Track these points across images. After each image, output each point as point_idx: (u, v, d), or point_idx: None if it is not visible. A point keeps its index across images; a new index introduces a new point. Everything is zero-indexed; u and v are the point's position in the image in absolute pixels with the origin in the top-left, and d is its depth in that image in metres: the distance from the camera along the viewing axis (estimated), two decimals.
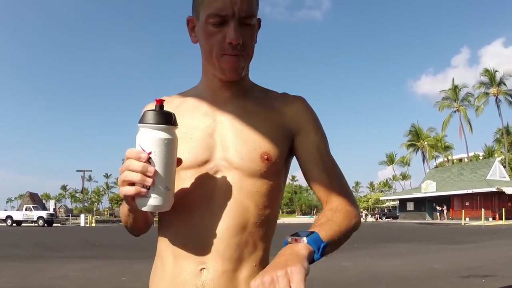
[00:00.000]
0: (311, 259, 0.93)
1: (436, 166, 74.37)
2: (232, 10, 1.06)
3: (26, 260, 11.96)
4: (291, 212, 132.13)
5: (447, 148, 77.56)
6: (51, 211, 52.84)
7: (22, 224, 43.44)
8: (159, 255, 1.15)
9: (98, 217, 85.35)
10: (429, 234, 24.93)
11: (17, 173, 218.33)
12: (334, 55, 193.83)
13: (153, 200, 0.94)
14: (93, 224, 50.47)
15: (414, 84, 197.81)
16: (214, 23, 1.08)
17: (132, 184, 0.92)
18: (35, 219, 42.99)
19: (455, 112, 67.58)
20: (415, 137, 76.49)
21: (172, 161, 0.96)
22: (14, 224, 42.99)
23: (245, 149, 1.10)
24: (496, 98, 62.42)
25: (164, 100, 0.97)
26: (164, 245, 1.13)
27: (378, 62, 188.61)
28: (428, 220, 54.34)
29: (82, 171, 56.90)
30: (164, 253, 1.12)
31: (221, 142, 1.12)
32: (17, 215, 44.41)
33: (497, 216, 44.41)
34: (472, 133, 67.43)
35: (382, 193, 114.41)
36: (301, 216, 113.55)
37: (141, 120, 0.95)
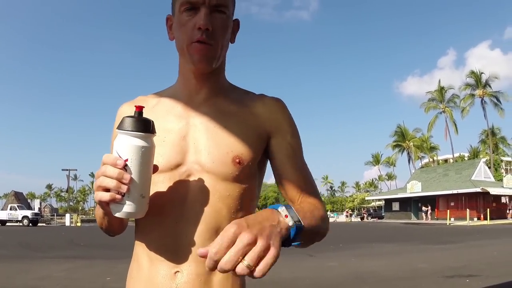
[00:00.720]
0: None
1: (422, 167, 74.84)
2: None
3: (10, 260, 11.86)
4: None
5: (432, 148, 78.13)
6: (36, 210, 52.51)
7: (7, 224, 43.03)
8: (135, 258, 1.15)
9: (84, 216, 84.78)
10: (414, 234, 25.13)
11: (1, 172, 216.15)
12: (321, 56, 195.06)
13: (128, 207, 0.94)
14: (79, 224, 50.12)
15: (400, 85, 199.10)
16: (185, 10, 1.10)
17: (107, 190, 0.92)
18: (19, 218, 42.59)
19: (441, 113, 68.12)
20: (401, 137, 76.93)
21: (148, 169, 0.96)
22: None
23: (217, 153, 1.10)
24: (482, 99, 63.02)
25: (144, 107, 0.96)
26: (140, 249, 1.13)
27: (364, 62, 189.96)
28: (414, 220, 54.66)
29: (67, 170, 56.36)
30: (140, 256, 1.13)
31: (193, 145, 1.12)
32: (2, 215, 43.93)
33: (482, 216, 44.83)
34: (458, 134, 68.28)
35: (368, 193, 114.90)
36: None
37: (119, 126, 0.94)
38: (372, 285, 7.92)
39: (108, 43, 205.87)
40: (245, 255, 0.80)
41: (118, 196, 0.91)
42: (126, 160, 0.92)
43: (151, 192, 1.05)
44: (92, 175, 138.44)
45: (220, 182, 1.09)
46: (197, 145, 1.11)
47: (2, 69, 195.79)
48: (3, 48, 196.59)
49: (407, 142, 75.92)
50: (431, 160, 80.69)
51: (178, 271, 1.07)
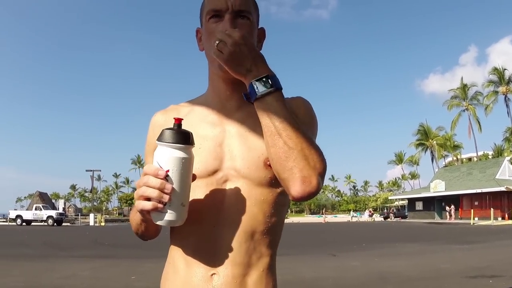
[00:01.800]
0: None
1: (445, 166, 74.01)
2: (226, 5, 1.14)
3: (36, 260, 12.08)
4: (299, 212, 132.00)
5: (456, 147, 77.01)
6: (61, 210, 53.21)
7: (32, 224, 43.74)
8: (171, 261, 1.19)
9: (108, 216, 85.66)
10: (438, 234, 24.87)
11: (27, 172, 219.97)
12: (340, 54, 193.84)
13: (169, 216, 0.99)
14: (103, 224, 50.58)
15: (421, 83, 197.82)
16: (211, 18, 1.16)
17: (148, 199, 0.97)
18: (44, 218, 43.24)
19: (464, 111, 67.27)
20: (424, 136, 76.15)
21: (188, 178, 1.01)
22: (24, 224, 43.33)
23: (250, 157, 1.12)
24: (505, 96, 62.02)
25: (182, 119, 1.01)
26: (176, 252, 1.17)
27: (385, 61, 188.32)
28: (437, 219, 54.11)
29: (91, 170, 56.98)
30: (177, 260, 1.17)
31: (229, 151, 1.15)
32: (27, 215, 44.73)
33: (506, 215, 44.20)
34: (481, 132, 67.19)
35: (391, 192, 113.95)
36: (310, 215, 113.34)
37: (160, 138, 0.99)
38: (395, 285, 7.89)
39: (124, 44, 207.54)
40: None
41: (160, 205, 0.96)
42: (168, 171, 0.96)
43: (190, 198, 1.10)
44: (115, 175, 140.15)
45: (255, 187, 1.13)
46: (232, 151, 1.14)
47: (26, 71, 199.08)
48: (26, 49, 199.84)
49: (430, 140, 75.12)
50: (454, 158, 79.58)
51: (214, 274, 1.10)
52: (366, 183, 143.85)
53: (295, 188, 1.00)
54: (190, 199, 1.08)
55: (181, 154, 0.98)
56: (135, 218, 1.16)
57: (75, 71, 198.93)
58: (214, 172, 1.14)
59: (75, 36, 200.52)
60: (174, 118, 1.00)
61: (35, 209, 45.09)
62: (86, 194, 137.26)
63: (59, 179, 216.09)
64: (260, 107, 1.02)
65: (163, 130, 0.99)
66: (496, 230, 27.26)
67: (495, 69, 62.59)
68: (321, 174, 1.01)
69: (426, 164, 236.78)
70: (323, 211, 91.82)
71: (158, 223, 1.00)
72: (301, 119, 1.15)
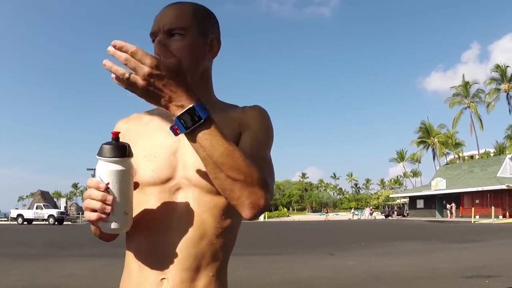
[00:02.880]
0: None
1: (447, 163, 73.91)
2: (158, 26, 1.20)
3: (36, 259, 12.15)
4: (301, 209, 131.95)
5: (458, 145, 76.92)
6: (62, 209, 53.32)
7: (33, 223, 43.76)
8: (126, 265, 1.24)
9: None
10: (438, 232, 24.90)
11: (28, 171, 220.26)
12: (342, 52, 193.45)
13: (113, 225, 1.05)
14: None
15: (423, 80, 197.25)
16: (152, 41, 1.22)
17: (94, 210, 1.03)
18: (45, 217, 43.24)
19: (465, 108, 67.23)
20: (426, 134, 76.14)
21: (128, 188, 1.06)
22: (25, 223, 43.35)
23: (202, 166, 1.14)
24: (507, 94, 61.99)
25: (119, 133, 1.06)
26: (130, 257, 1.22)
27: (387, 58, 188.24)
28: (438, 217, 54.13)
29: (92, 169, 56.91)
30: (131, 264, 1.21)
31: (182, 160, 1.19)
32: (28, 214, 44.75)
33: (507, 214, 44.18)
34: (483, 130, 67.28)
35: (393, 190, 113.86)
36: (312, 213, 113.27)
37: (99, 153, 1.04)
38: (390, 285, 7.91)
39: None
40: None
41: (104, 216, 1.02)
42: (108, 183, 1.02)
43: (142, 204, 1.18)
44: None
45: (206, 194, 1.17)
46: (185, 160, 1.19)
47: (26, 69, 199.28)
48: (33, 47, 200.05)
49: (432, 138, 75.10)
50: (456, 156, 79.54)
51: (164, 278, 1.15)
52: (367, 181, 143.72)
53: (246, 213, 1.05)
54: (144, 206, 1.17)
55: (118, 167, 1.03)
56: (94, 232, 1.25)
57: (77, 70, 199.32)
58: (167, 180, 1.18)
59: (82, 35, 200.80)
60: (111, 132, 1.06)
61: (36, 208, 45.09)
62: None
63: (61, 178, 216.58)
64: (192, 140, 1.01)
65: (101, 145, 1.05)
66: (497, 229, 27.25)
67: (498, 66, 62.56)
68: (269, 191, 1.06)
69: (428, 162, 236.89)
70: (326, 209, 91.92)
71: (105, 231, 1.07)
72: (256, 131, 1.21)
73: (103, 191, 1.02)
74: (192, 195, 1.17)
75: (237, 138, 1.21)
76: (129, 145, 1.06)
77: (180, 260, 1.14)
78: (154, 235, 1.17)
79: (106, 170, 1.03)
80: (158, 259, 1.16)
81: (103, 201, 1.01)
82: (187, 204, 1.17)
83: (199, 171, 1.16)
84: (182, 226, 1.16)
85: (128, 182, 1.06)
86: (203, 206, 1.17)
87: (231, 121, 1.24)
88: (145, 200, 1.19)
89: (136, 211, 1.14)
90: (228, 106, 1.32)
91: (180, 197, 1.18)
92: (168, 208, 1.17)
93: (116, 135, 1.05)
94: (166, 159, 1.19)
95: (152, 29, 1.21)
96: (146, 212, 1.18)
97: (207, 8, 1.29)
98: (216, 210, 1.17)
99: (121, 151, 1.04)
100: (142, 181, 1.18)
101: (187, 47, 1.20)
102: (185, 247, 1.14)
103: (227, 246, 1.22)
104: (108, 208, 1.01)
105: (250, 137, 1.21)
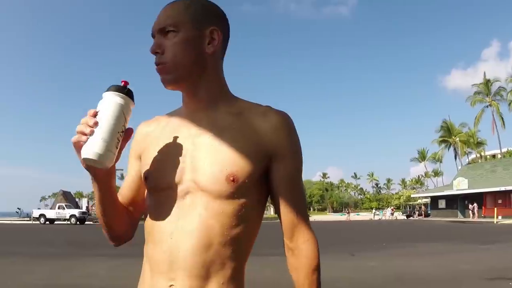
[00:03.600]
0: None
1: (468, 163, 72.98)
2: (153, 28, 1.23)
3: (58, 258, 12.28)
4: (322, 210, 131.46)
5: (479, 144, 75.81)
6: (84, 209, 53.67)
7: (55, 222, 44.22)
8: (142, 270, 1.23)
9: None
10: (460, 233, 24.59)
11: (50, 171, 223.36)
12: (361, 51, 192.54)
13: (90, 148, 1.06)
14: None
15: (443, 78, 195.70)
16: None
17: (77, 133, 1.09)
18: (67, 217, 43.65)
19: (487, 107, 66.34)
20: (447, 133, 75.22)
21: (114, 121, 1.09)
22: (47, 222, 43.84)
23: (212, 171, 1.13)
24: None
25: (128, 83, 1.13)
26: (145, 261, 1.21)
27: (406, 57, 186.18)
28: (460, 218, 53.47)
29: (118, 169, 57.39)
30: (145, 269, 1.21)
31: (191, 164, 1.16)
32: (50, 214, 45.21)
33: None
34: (505, 128, 66.13)
35: (414, 190, 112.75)
36: (333, 213, 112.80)
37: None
38: (412, 287, 7.83)
39: (143, 45, 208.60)
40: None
41: (84, 138, 1.06)
42: (98, 110, 1.08)
43: (152, 208, 1.20)
44: None
45: (213, 199, 1.13)
46: (194, 164, 1.16)
47: (54, 71, 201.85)
48: (45, 45, 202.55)
49: (453, 137, 74.14)
50: (478, 155, 78.46)
51: (172, 285, 1.13)
52: (388, 180, 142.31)
53: None
54: (153, 209, 1.20)
55: (110, 96, 1.10)
56: (96, 210, 1.24)
57: (95, 69, 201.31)
58: (176, 184, 1.17)
59: (98, 35, 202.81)
60: (122, 80, 1.13)
61: (58, 208, 45.57)
62: None
63: (83, 178, 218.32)
64: None
65: None
66: None
67: None
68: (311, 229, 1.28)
69: (450, 162, 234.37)
70: (347, 209, 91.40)
71: (83, 157, 1.08)
72: (288, 163, 1.21)
73: (90, 116, 1.07)
74: (200, 200, 1.14)
75: (253, 148, 1.17)
76: (130, 90, 1.13)
77: (187, 267, 1.12)
78: (163, 239, 1.15)
79: (101, 100, 1.10)
80: (167, 264, 1.14)
81: (85, 123, 1.06)
82: (194, 209, 1.14)
83: (208, 175, 1.14)
84: (190, 231, 1.13)
85: (116, 115, 1.09)
86: (210, 212, 1.13)
87: (246, 127, 1.19)
88: (154, 205, 1.19)
89: (146, 215, 1.17)
90: (246, 105, 1.25)
91: (188, 202, 1.16)
92: (176, 212, 1.16)
93: (125, 82, 1.13)
94: (176, 163, 1.18)
95: (151, 30, 1.23)
96: (156, 215, 1.18)
97: (205, 1, 1.25)
98: (224, 217, 1.14)
99: (119, 88, 1.11)
100: (152, 185, 1.19)
101: (180, 42, 1.19)
102: (192, 254, 1.12)
103: (239, 255, 1.17)
104: (88, 129, 1.06)
105: (284, 181, 1.21)
